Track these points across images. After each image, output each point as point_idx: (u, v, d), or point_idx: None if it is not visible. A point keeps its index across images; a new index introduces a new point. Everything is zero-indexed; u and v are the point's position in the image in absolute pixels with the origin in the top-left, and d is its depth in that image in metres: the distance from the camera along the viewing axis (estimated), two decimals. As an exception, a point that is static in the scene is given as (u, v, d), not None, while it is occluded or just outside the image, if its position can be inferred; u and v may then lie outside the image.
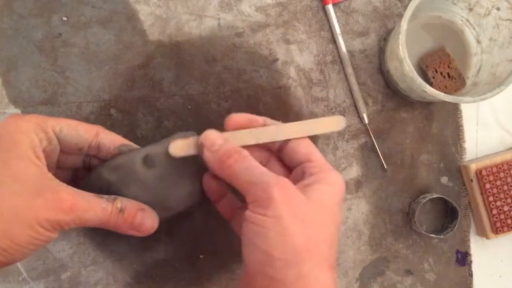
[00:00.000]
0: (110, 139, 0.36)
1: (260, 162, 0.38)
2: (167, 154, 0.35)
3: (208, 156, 0.34)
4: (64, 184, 0.32)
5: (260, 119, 0.37)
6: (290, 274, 0.30)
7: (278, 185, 0.31)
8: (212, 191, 0.38)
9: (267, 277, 0.30)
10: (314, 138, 0.47)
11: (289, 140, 0.36)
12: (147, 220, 0.35)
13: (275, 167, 0.38)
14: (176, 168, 0.36)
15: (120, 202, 0.33)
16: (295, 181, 0.35)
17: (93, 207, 0.32)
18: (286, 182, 0.32)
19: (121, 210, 0.33)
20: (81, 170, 0.38)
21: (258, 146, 0.37)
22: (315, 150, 0.36)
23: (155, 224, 0.35)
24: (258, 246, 0.31)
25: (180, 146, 0.35)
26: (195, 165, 0.36)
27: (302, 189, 0.33)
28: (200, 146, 0.35)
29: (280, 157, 0.38)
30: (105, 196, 0.33)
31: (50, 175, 0.32)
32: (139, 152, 0.35)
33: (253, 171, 0.32)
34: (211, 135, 0.35)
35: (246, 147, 0.35)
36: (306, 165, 0.35)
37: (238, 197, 0.37)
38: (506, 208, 0.47)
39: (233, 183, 0.33)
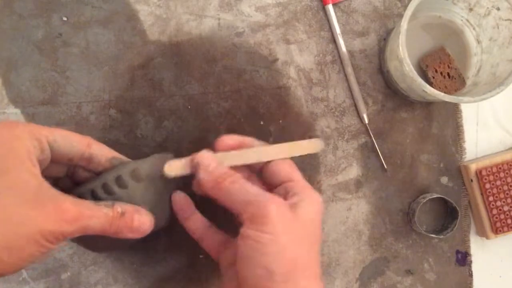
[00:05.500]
0: (102, 152, 0.36)
1: None
2: (122, 181, 0.35)
3: (203, 175, 0.35)
4: (62, 193, 0.31)
5: (249, 140, 0.38)
6: None
7: (274, 203, 0.32)
8: (182, 211, 0.39)
9: None
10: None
11: (271, 160, 0.38)
12: (144, 221, 0.35)
13: (256, 185, 0.39)
14: (135, 196, 0.36)
15: (120, 206, 0.33)
16: None
17: (95, 214, 0.31)
18: (280, 200, 0.33)
19: (122, 214, 0.33)
20: (62, 180, 0.37)
21: (241, 165, 0.38)
22: (296, 171, 0.38)
23: (152, 223, 0.36)
24: (256, 261, 0.32)
25: (175, 166, 0.36)
26: (156, 190, 0.37)
27: (290, 207, 0.34)
28: (195, 166, 0.36)
29: (261, 175, 0.39)
30: (102, 202, 0.33)
31: (47, 184, 0.31)
32: (96, 182, 0.35)
33: (248, 190, 0.34)
34: (207, 156, 0.36)
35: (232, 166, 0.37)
36: (288, 185, 0.36)
37: (206, 217, 0.39)
38: (506, 208, 0.47)
39: (226, 202, 0.34)
